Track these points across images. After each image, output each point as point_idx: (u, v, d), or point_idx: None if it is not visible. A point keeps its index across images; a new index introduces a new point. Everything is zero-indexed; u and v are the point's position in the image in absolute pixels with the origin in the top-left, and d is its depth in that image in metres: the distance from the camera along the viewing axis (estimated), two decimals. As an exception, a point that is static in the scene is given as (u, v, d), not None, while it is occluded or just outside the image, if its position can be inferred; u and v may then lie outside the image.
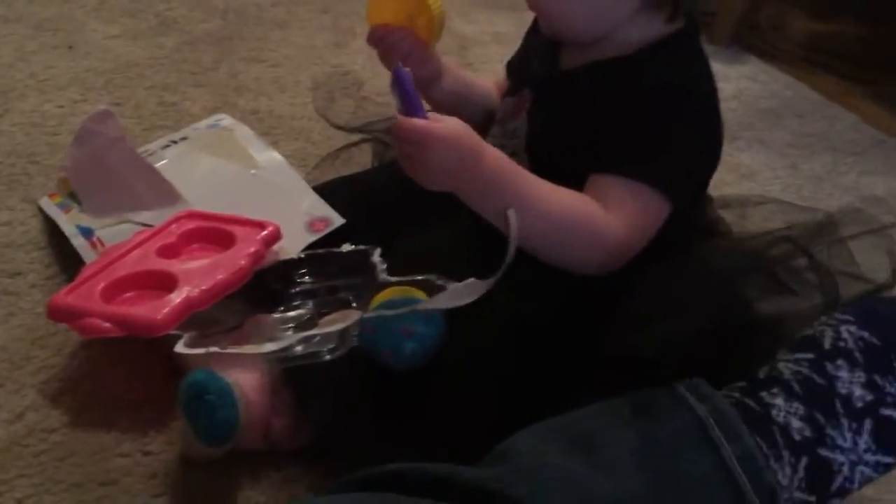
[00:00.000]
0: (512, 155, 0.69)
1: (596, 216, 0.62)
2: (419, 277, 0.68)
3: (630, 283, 0.62)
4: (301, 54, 1.32)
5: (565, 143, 0.68)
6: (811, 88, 1.44)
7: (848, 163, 1.19)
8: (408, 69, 0.59)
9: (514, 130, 0.72)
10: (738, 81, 1.40)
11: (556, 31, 0.70)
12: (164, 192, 0.82)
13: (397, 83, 0.59)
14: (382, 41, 0.78)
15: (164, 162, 0.87)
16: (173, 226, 0.77)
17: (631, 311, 0.61)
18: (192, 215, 0.79)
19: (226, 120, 0.96)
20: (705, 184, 0.73)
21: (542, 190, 0.63)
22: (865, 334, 0.53)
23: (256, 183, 0.87)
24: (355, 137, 1.02)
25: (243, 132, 0.93)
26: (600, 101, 0.65)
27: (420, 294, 0.66)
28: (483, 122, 0.81)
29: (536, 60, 0.74)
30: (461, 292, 0.64)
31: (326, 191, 0.84)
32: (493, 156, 0.62)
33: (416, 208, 0.77)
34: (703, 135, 0.67)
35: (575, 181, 0.65)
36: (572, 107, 0.68)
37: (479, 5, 1.68)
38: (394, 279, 0.69)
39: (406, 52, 0.77)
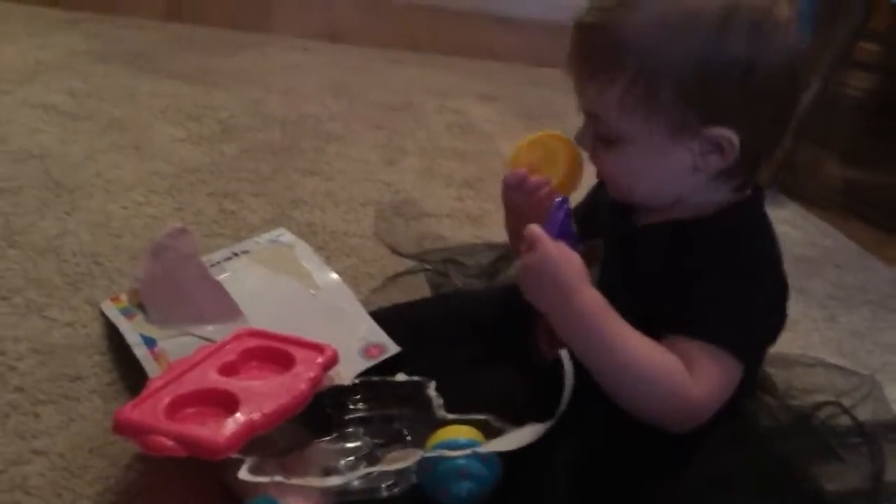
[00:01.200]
0: None
1: (680, 375, 0.64)
2: (477, 417, 0.69)
3: (693, 443, 0.63)
4: (354, 169, 1.37)
5: (639, 296, 0.69)
6: (848, 238, 1.47)
7: (888, 319, 1.20)
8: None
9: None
10: (777, 226, 1.42)
11: (623, 197, 0.73)
12: (227, 308, 0.84)
13: (554, 212, 0.69)
14: (521, 185, 0.79)
15: (225, 275, 0.90)
16: (234, 343, 0.79)
17: (693, 477, 0.61)
18: (253, 333, 0.81)
19: (286, 236, 0.99)
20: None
21: (630, 339, 0.65)
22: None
23: (315, 304, 0.89)
24: (411, 262, 1.05)
25: (303, 250, 0.96)
26: (679, 261, 0.68)
27: (478, 435, 0.67)
28: None
29: (609, 213, 0.77)
30: (519, 436, 0.66)
31: (382, 317, 0.86)
32: (591, 295, 0.65)
33: (471, 344, 0.79)
34: (776, 300, 0.70)
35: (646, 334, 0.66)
36: (648, 263, 0.71)
37: (526, 130, 1.70)
38: (451, 416, 0.70)
39: (538, 201, 0.77)
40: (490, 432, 0.68)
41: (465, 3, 2.95)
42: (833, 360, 1.03)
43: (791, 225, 1.47)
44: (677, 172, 0.68)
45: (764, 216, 0.72)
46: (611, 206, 0.76)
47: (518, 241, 0.84)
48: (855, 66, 2.17)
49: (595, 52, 0.67)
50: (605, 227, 0.76)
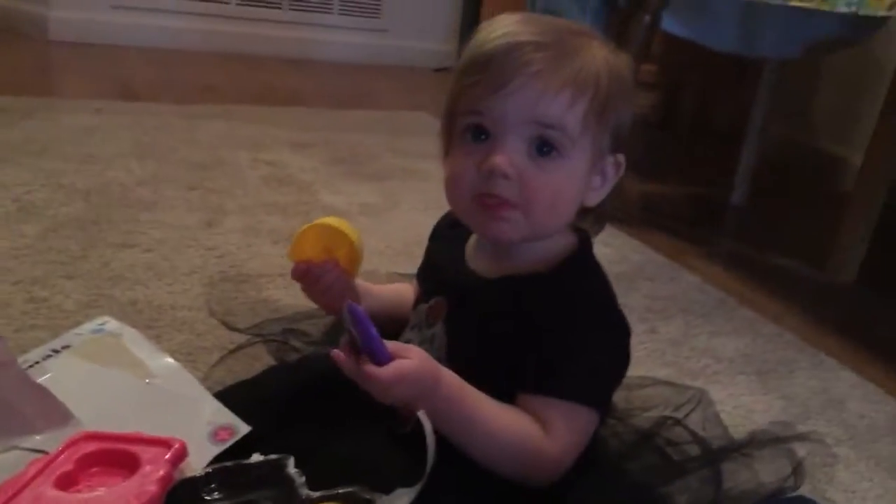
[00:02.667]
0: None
1: (538, 439, 0.67)
2: (342, 491, 0.68)
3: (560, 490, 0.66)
4: (173, 236, 1.31)
5: (485, 351, 0.71)
6: (655, 251, 1.59)
7: (698, 324, 1.30)
8: (359, 305, 0.64)
9: (431, 338, 0.75)
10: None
11: (529, 223, 0.71)
12: (55, 412, 0.78)
13: (355, 322, 0.63)
14: (306, 276, 0.82)
15: (47, 376, 0.83)
16: (69, 451, 0.73)
17: None
18: (89, 437, 0.75)
19: (110, 324, 0.93)
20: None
21: (489, 412, 0.67)
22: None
23: (152, 393, 0.84)
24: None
25: (132, 336, 0.91)
26: (523, 318, 0.70)
27: None
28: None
29: (449, 268, 0.78)
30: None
31: (228, 396, 0.82)
32: (448, 382, 0.66)
33: (326, 413, 0.78)
34: (622, 342, 0.73)
35: (496, 389, 0.68)
36: (491, 317, 0.72)
37: (344, 176, 1.75)
38: (316, 494, 0.68)
39: (329, 284, 0.81)
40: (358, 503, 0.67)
41: (260, 47, 2.92)
42: (659, 370, 1.11)
43: (603, 244, 1.56)
44: (579, 192, 0.72)
45: (595, 262, 0.76)
46: (453, 262, 0.78)
47: (330, 311, 0.87)
48: (638, 86, 2.35)
49: (564, 67, 0.68)
50: (446, 283, 0.77)
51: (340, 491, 0.68)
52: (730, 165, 2.06)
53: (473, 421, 0.66)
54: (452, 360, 0.73)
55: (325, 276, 0.81)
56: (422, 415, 0.71)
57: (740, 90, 2.43)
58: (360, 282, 0.86)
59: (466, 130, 0.70)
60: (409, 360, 0.63)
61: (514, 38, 0.68)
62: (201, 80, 2.46)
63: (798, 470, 0.72)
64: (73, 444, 0.74)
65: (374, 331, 0.63)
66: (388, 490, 0.67)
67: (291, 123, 2.10)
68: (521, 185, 0.68)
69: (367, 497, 0.67)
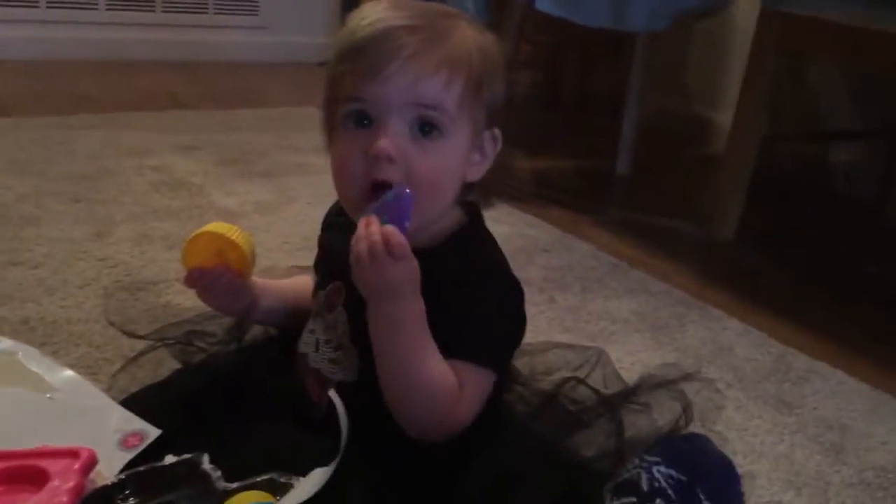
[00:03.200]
0: (339, 347, 0.74)
1: (455, 395, 0.69)
2: (260, 479, 0.69)
3: (469, 448, 0.69)
4: (61, 250, 1.28)
5: None
6: (550, 223, 1.64)
7: (594, 290, 1.36)
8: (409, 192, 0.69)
9: (334, 322, 0.76)
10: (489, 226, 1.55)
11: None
12: (-45, 436, 0.75)
13: (398, 203, 0.68)
14: (199, 282, 0.82)
15: (-56, 402, 0.81)
16: (-27, 473, 0.72)
17: (480, 479, 0.67)
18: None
19: (3, 342, 0.91)
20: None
21: (431, 353, 0.69)
22: (673, 472, 0.63)
23: (55, 407, 0.82)
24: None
25: (28, 353, 0.88)
26: (426, 294, 0.70)
27: (266, 496, 0.67)
28: None
29: (344, 254, 0.78)
30: (308, 485, 0.66)
31: (134, 402, 0.82)
32: (417, 308, 0.68)
33: (238, 408, 0.79)
34: (518, 309, 0.76)
35: None
36: None
37: (235, 176, 1.73)
38: (234, 485, 0.69)
39: (223, 288, 0.82)
40: (278, 490, 0.67)
41: (136, 52, 2.84)
42: (559, 336, 1.16)
43: (499, 222, 1.59)
44: (461, 170, 0.74)
45: (485, 230, 0.79)
46: (347, 247, 0.78)
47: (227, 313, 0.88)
48: (518, 65, 2.41)
49: (438, 49, 0.70)
50: (343, 268, 0.78)
51: (258, 479, 0.69)
52: (613, 137, 2.14)
53: (415, 351, 0.68)
54: (356, 341, 0.74)
55: (217, 281, 0.81)
56: (333, 395, 0.72)
57: (617, 64, 2.52)
58: (257, 279, 0.87)
59: (348, 117, 0.71)
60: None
61: (387, 24, 0.69)
62: (76, 90, 2.37)
63: (688, 409, 0.77)
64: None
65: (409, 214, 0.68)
66: (305, 473, 0.68)
67: (176, 128, 2.06)
68: (407, 168, 0.70)
69: (284, 481, 0.68)
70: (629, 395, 0.80)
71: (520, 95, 2.77)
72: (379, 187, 0.70)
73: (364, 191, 0.71)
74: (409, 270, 0.67)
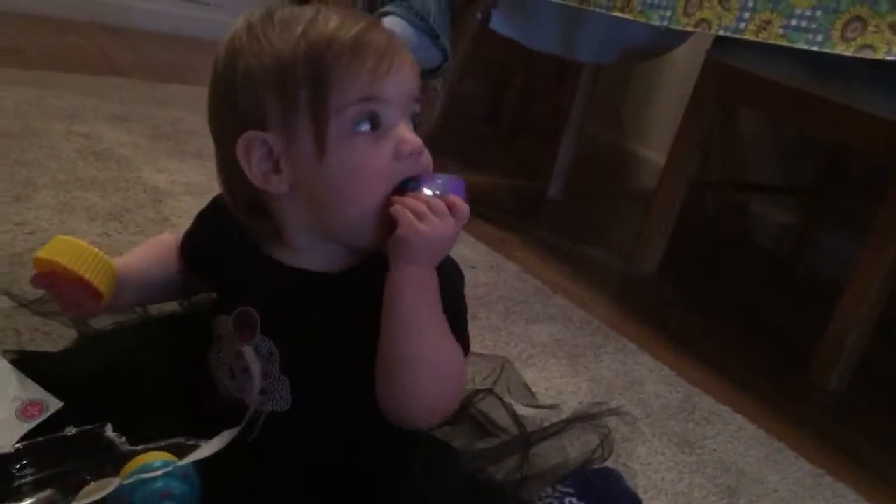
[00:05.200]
0: (264, 376, 0.70)
1: (463, 366, 0.70)
2: (164, 443, 0.67)
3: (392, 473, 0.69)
4: (-24, 211, 1.22)
5: (355, 342, 0.69)
6: (478, 239, 1.65)
7: (517, 311, 1.38)
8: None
9: (257, 351, 0.71)
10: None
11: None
12: None
13: (454, 184, 0.69)
14: (52, 287, 0.74)
15: None
16: None
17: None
18: None
19: None
20: None
21: (447, 326, 0.69)
22: (584, 504, 0.64)
23: (-55, 376, 0.78)
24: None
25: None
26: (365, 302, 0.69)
27: (171, 457, 0.65)
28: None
29: (247, 266, 0.74)
30: (213, 445, 0.65)
31: (32, 367, 0.77)
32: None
33: (138, 376, 0.77)
34: (463, 287, 0.77)
35: (365, 374, 0.68)
36: (351, 308, 0.70)
37: (167, 152, 1.69)
38: (139, 447, 0.67)
39: (77, 302, 0.74)
40: (184, 452, 0.65)
41: (74, 10, 2.74)
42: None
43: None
44: None
45: None
46: (247, 258, 0.74)
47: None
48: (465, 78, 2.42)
49: (400, 46, 0.70)
50: (250, 287, 0.73)
51: (163, 443, 0.67)
52: (548, 161, 2.18)
53: (440, 318, 0.68)
54: (286, 371, 0.70)
55: (72, 294, 0.74)
56: (246, 350, 0.70)
57: (560, 90, 2.56)
58: (119, 264, 0.78)
59: (361, 120, 0.67)
60: None
61: (361, 26, 0.67)
62: (6, 42, 2.28)
63: (606, 442, 0.79)
64: None
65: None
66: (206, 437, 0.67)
67: (110, 95, 2.00)
68: (425, 158, 0.70)
69: (191, 443, 0.66)
70: (548, 431, 0.81)
71: (462, 109, 2.79)
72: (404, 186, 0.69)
73: (395, 190, 0.68)
74: (452, 241, 0.68)
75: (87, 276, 0.72)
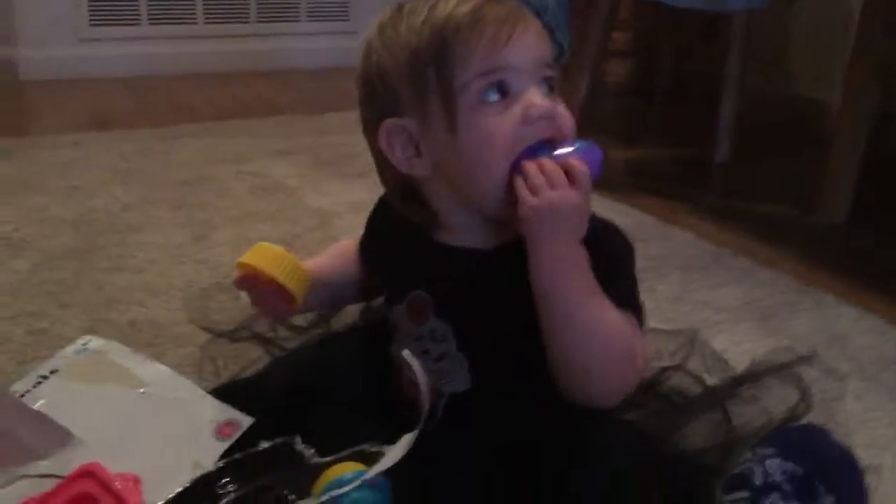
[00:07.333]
0: (441, 357, 0.71)
1: (630, 339, 0.67)
2: (350, 451, 0.68)
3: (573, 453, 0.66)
4: (164, 255, 1.31)
5: (518, 319, 0.69)
6: (644, 213, 1.59)
7: (695, 279, 1.31)
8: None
9: (431, 333, 0.73)
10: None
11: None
12: (54, 435, 0.77)
13: (588, 153, 0.66)
14: (252, 289, 0.80)
15: (41, 402, 0.82)
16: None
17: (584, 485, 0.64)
18: (84, 474, 0.73)
19: (94, 342, 0.92)
20: None
21: (602, 298, 0.66)
22: (789, 465, 0.59)
23: (148, 402, 0.83)
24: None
25: (118, 351, 0.90)
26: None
27: (360, 466, 0.66)
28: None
29: (416, 252, 0.75)
30: (397, 450, 0.66)
31: (226, 394, 0.82)
32: (585, 252, 0.66)
33: (323, 392, 0.79)
34: (629, 259, 0.74)
35: (534, 353, 0.67)
36: (512, 285, 0.69)
37: (329, 177, 1.75)
38: (328, 458, 0.69)
39: (274, 304, 0.80)
40: (370, 459, 0.67)
41: (232, 63, 2.92)
42: (660, 326, 1.11)
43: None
44: None
45: None
46: (416, 244, 0.75)
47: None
48: (611, 55, 2.36)
49: (528, 14, 0.70)
50: (419, 271, 0.75)
51: (349, 451, 0.68)
52: (710, 123, 2.06)
53: (590, 293, 0.65)
54: (464, 349, 0.71)
55: (270, 297, 0.79)
56: (407, 355, 0.70)
57: (713, 47, 2.43)
58: (309, 267, 0.83)
59: (488, 90, 0.66)
60: None
61: (480, 1, 0.67)
62: (176, 101, 2.46)
63: (805, 395, 0.72)
64: (70, 480, 0.72)
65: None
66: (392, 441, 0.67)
67: (272, 133, 2.10)
68: (557, 125, 0.68)
69: (374, 450, 0.67)
70: (737, 384, 0.76)
71: (613, 85, 2.71)
72: (529, 152, 0.67)
73: (519, 158, 0.67)
74: (586, 206, 0.65)
75: (282, 279, 0.78)
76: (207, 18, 2.92)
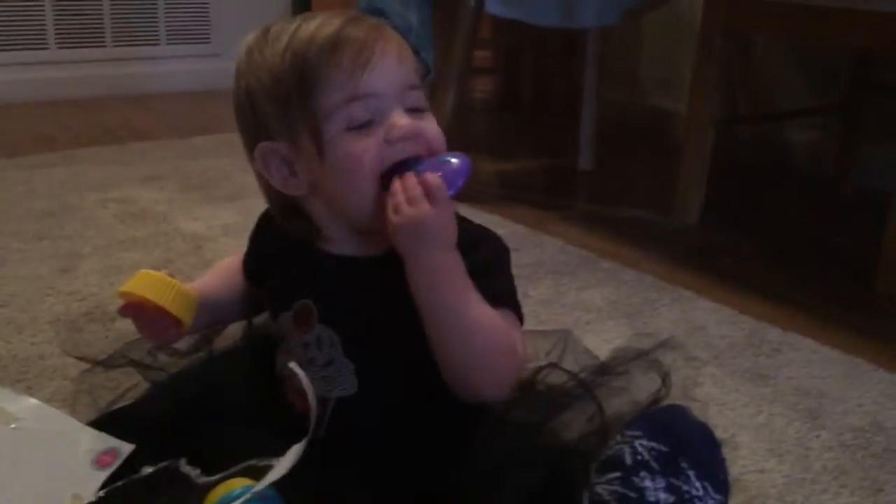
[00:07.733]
0: (327, 364, 0.73)
1: (509, 333, 0.72)
2: (238, 467, 0.69)
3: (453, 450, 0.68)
4: (28, 288, 1.26)
5: (392, 326, 0.72)
6: (516, 222, 1.65)
7: (566, 283, 1.37)
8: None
9: (318, 341, 0.74)
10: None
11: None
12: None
13: (462, 171, 0.69)
14: (137, 317, 0.80)
15: None
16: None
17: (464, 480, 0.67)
18: None
19: (-38, 381, 0.89)
20: None
21: (477, 300, 0.69)
22: (655, 444, 0.63)
23: (20, 437, 0.81)
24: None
25: (-16, 388, 0.87)
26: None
27: (249, 481, 0.67)
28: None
29: (300, 262, 0.77)
30: (285, 462, 0.67)
31: (104, 424, 0.80)
32: (457, 257, 0.69)
33: (209, 409, 0.79)
34: (505, 260, 0.79)
35: (420, 352, 0.70)
36: (398, 289, 0.71)
37: (200, 202, 1.72)
38: (215, 477, 0.69)
39: (160, 330, 0.80)
40: (259, 473, 0.67)
41: (91, 88, 2.82)
42: (535, 328, 1.16)
43: (466, 225, 1.61)
44: None
45: None
46: (299, 254, 0.77)
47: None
48: (476, 72, 2.43)
49: (391, 36, 0.72)
50: (304, 280, 0.77)
51: (237, 468, 0.69)
52: (573, 134, 2.16)
53: (465, 298, 0.68)
54: (350, 355, 0.73)
55: (155, 322, 0.79)
56: (293, 366, 0.72)
57: (572, 62, 2.54)
58: (193, 288, 0.83)
59: (351, 118, 0.69)
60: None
61: (340, 22, 0.69)
62: (32, 130, 2.35)
63: (666, 378, 0.78)
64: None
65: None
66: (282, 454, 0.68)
67: (137, 159, 2.05)
68: (425, 141, 0.71)
69: (263, 464, 0.68)
70: (604, 371, 0.81)
71: (479, 101, 2.79)
72: (396, 169, 0.69)
73: (385, 178, 0.70)
74: (447, 217, 0.67)
75: (168, 306, 0.78)
76: (59, 43, 2.81)
